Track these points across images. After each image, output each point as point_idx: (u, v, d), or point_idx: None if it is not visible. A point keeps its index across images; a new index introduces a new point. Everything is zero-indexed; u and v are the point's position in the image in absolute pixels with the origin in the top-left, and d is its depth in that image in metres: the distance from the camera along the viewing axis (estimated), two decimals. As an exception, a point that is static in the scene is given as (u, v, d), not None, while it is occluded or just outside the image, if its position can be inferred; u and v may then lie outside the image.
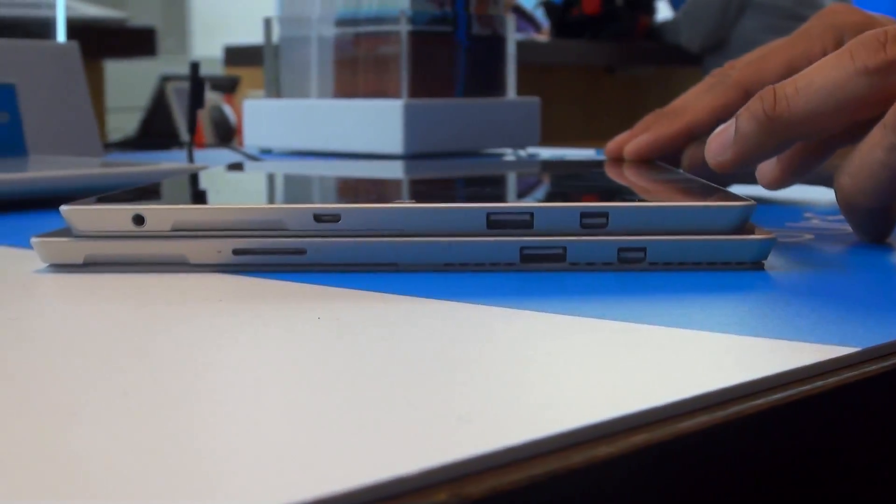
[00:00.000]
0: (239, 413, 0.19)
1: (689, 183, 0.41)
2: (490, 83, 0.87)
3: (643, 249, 0.33)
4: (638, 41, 2.62)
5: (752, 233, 0.34)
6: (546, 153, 0.89)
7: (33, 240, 0.34)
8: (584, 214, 0.33)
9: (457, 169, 0.55)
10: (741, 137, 0.38)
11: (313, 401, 0.20)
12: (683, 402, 0.20)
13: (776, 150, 0.39)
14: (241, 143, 1.35)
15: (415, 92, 0.82)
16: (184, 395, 0.21)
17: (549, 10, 2.64)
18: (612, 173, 0.47)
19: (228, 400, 0.20)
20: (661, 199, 0.35)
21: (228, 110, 1.73)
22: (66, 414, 0.19)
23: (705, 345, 0.24)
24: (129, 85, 2.40)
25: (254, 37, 1.19)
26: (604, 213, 0.33)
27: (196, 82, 0.74)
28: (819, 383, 0.22)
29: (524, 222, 0.33)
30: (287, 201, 0.36)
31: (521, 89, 0.89)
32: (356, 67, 0.85)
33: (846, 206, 0.38)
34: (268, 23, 0.91)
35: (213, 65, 2.54)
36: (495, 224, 0.33)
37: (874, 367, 0.23)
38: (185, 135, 1.21)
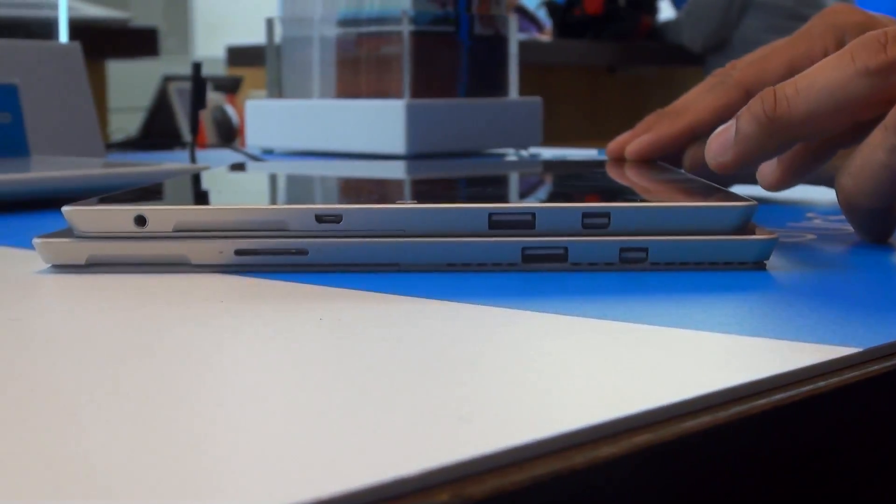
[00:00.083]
0: (240, 413, 0.19)
1: (690, 183, 0.41)
2: (492, 83, 0.87)
3: (645, 250, 0.33)
4: (640, 41, 2.62)
5: (754, 233, 0.34)
6: (548, 153, 0.89)
7: (35, 240, 0.34)
8: (586, 215, 0.33)
9: (458, 169, 0.55)
10: (742, 138, 0.38)
11: (314, 401, 0.20)
12: (685, 402, 0.20)
13: (777, 151, 0.39)
14: (243, 144, 1.35)
15: (417, 92, 0.82)
16: (185, 395, 0.21)
17: (552, 9, 2.64)
18: (613, 173, 0.47)
19: (230, 400, 0.20)
20: (662, 200, 0.35)
21: (231, 111, 1.73)
22: (68, 414, 0.19)
23: (707, 345, 0.24)
24: (131, 85, 2.40)
25: (256, 37, 1.19)
26: (605, 214, 0.33)
27: (198, 83, 0.74)
28: (821, 383, 0.22)
29: (526, 222, 0.33)
30: (289, 202, 0.36)
31: (523, 89, 0.90)
32: (358, 68, 0.85)
33: (847, 206, 0.38)
34: (270, 23, 0.91)
35: (215, 65, 2.54)
36: (497, 224, 0.33)
37: (876, 368, 0.23)
38: (187, 135, 1.21)
